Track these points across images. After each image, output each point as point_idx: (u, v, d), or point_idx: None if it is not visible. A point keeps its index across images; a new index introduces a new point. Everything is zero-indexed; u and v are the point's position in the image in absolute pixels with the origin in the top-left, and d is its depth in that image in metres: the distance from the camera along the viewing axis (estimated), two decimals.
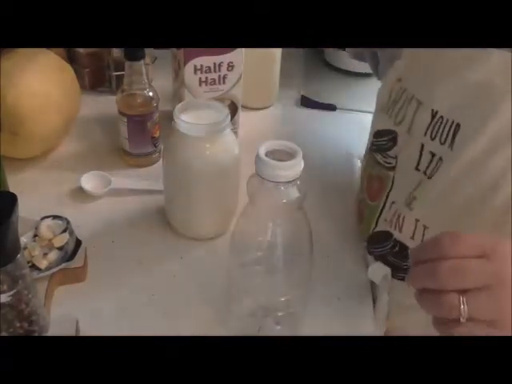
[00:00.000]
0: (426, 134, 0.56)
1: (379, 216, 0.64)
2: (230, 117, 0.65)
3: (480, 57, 0.51)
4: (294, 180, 0.48)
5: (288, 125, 0.96)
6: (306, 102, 1.03)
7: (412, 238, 0.59)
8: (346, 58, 1.05)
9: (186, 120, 0.64)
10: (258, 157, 0.48)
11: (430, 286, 0.40)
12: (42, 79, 0.78)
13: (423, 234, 0.57)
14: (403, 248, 0.59)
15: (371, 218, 0.66)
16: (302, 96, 1.03)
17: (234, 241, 0.55)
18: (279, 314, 0.57)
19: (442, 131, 0.54)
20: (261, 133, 0.93)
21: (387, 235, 0.61)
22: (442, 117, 0.54)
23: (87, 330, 0.58)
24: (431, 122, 0.55)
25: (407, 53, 0.61)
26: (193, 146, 0.65)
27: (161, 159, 0.86)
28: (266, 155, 0.48)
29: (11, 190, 0.70)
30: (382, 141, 0.63)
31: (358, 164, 0.84)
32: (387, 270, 0.61)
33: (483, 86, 0.51)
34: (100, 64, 1.00)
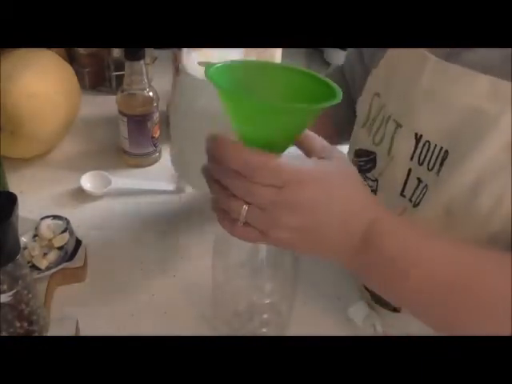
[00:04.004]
0: (412, 158, 0.53)
1: None
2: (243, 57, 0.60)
3: (463, 79, 0.49)
4: None
5: None
6: None
7: None
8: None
9: (196, 61, 0.57)
10: None
11: (225, 185, 0.43)
12: (42, 79, 0.79)
13: None
14: None
15: None
16: None
17: (217, 243, 0.54)
18: (264, 316, 0.57)
19: (430, 157, 0.51)
20: None
21: None
22: (428, 142, 0.51)
23: (87, 330, 0.58)
24: (416, 147, 0.52)
25: (384, 64, 0.58)
26: (204, 90, 0.57)
27: (161, 159, 0.86)
28: None
29: (11, 189, 0.70)
30: (361, 161, 0.60)
31: None
32: (368, 311, 0.61)
33: (471, 111, 0.48)
34: (100, 64, 1.00)
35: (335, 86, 0.42)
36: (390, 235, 0.44)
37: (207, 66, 0.43)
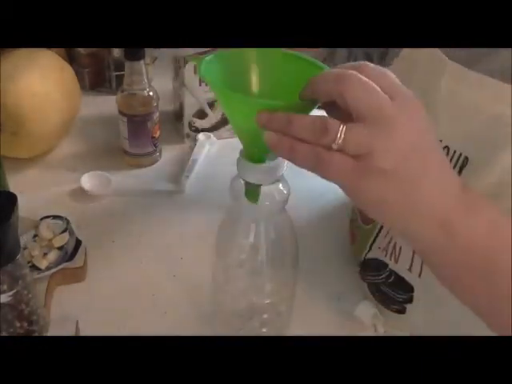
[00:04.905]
0: None
1: (373, 242, 0.61)
2: None
3: (485, 86, 0.48)
4: (275, 182, 0.47)
5: None
6: None
7: (409, 270, 0.56)
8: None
9: None
10: (239, 159, 0.47)
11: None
12: (42, 79, 0.79)
13: (421, 269, 0.55)
14: (399, 279, 0.57)
15: (364, 242, 0.62)
16: None
17: (218, 243, 0.54)
18: (264, 316, 0.57)
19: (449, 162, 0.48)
20: None
21: (382, 264, 0.59)
22: (447, 147, 0.51)
23: (87, 330, 0.58)
24: None
25: (398, 63, 0.57)
26: None
27: (161, 159, 0.86)
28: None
29: (11, 189, 0.70)
30: None
31: None
32: (375, 310, 0.61)
33: (494, 118, 0.47)
34: (100, 64, 1.00)
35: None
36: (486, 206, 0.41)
37: (195, 59, 0.43)
